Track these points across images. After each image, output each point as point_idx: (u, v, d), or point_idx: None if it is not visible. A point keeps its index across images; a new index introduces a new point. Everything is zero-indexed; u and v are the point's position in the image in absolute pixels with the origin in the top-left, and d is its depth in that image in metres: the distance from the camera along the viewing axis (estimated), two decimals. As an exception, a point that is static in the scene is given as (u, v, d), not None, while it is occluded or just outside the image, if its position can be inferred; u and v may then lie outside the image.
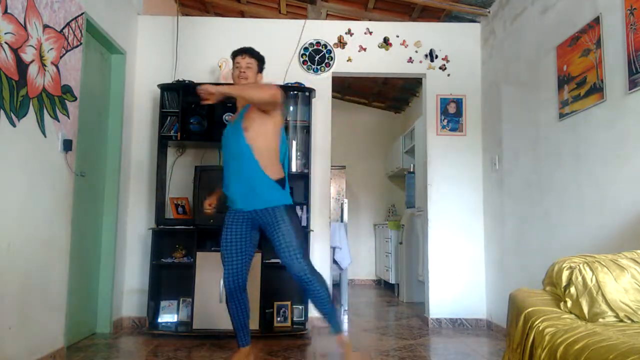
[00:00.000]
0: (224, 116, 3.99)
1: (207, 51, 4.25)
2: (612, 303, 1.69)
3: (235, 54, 2.83)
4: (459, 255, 4.22)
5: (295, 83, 4.17)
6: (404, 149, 6.64)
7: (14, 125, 2.51)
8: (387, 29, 4.40)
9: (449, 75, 4.36)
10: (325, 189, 4.25)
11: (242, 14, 5.41)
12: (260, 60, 2.84)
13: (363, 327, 4.17)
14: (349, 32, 4.38)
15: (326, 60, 4.32)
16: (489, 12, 4.22)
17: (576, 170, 2.90)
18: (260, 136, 2.64)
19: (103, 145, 3.80)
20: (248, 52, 2.81)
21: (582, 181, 2.84)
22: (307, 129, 4.12)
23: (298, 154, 4.10)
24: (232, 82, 3.94)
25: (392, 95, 7.25)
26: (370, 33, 4.38)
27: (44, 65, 2.79)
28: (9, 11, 2.45)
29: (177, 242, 3.96)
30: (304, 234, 2.82)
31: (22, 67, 2.57)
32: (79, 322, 3.43)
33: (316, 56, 4.31)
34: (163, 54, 4.24)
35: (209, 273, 3.69)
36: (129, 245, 4.07)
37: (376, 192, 7.73)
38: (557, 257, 1.99)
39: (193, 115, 3.92)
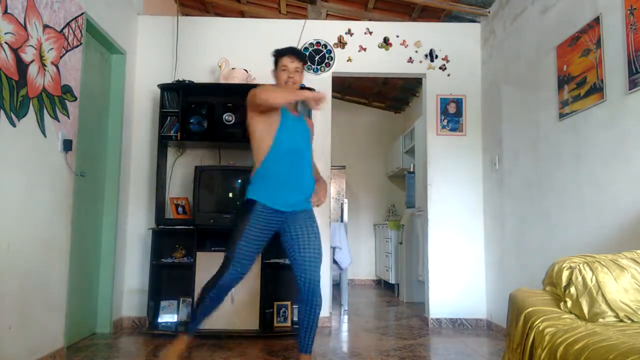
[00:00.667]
0: (224, 116, 3.99)
1: (207, 51, 4.25)
2: (612, 303, 1.69)
3: (281, 55, 2.63)
4: (459, 255, 4.22)
5: (295, 83, 4.16)
6: (404, 149, 6.64)
7: (14, 125, 2.51)
8: (387, 29, 4.40)
9: (449, 75, 4.36)
10: (325, 189, 4.24)
11: (242, 14, 5.41)
12: (306, 62, 2.74)
13: (363, 327, 4.17)
14: (349, 32, 4.38)
15: (326, 60, 4.32)
16: (489, 12, 4.22)
17: (576, 170, 2.90)
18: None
19: (103, 145, 3.80)
20: (296, 55, 2.62)
21: (582, 181, 2.84)
22: (307, 129, 4.12)
23: (298, 154, 4.09)
24: (231, 81, 3.97)
25: (392, 95, 7.25)
26: (370, 33, 4.39)
27: (44, 65, 2.79)
28: (9, 11, 2.45)
29: (177, 242, 3.96)
30: None
31: (22, 67, 2.57)
32: (79, 322, 3.43)
33: (316, 56, 4.31)
34: (163, 54, 4.24)
35: (209, 273, 3.66)
36: (129, 245, 4.07)
37: (376, 192, 7.73)
38: (557, 257, 1.99)
39: (193, 115, 3.92)
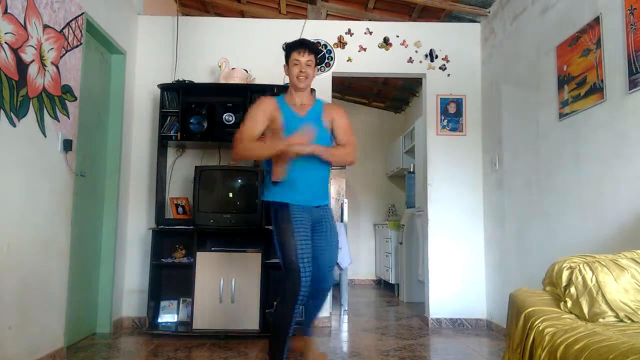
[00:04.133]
0: (224, 116, 3.99)
1: (207, 51, 4.25)
2: (612, 303, 1.69)
3: (292, 49, 2.55)
4: (459, 255, 4.22)
5: (295, 83, 4.17)
6: (404, 149, 6.64)
7: (14, 125, 2.51)
8: (387, 29, 4.40)
9: (449, 75, 4.36)
10: (325, 189, 4.24)
11: (242, 14, 5.42)
12: (318, 53, 2.64)
13: (363, 327, 4.17)
14: (349, 32, 4.38)
15: (326, 60, 4.32)
16: (489, 12, 4.22)
17: (576, 170, 2.90)
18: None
19: (103, 145, 3.80)
20: (307, 47, 2.55)
21: (582, 181, 2.84)
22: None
23: (298, 154, 4.09)
24: (231, 81, 3.97)
25: (392, 95, 7.25)
26: (370, 33, 4.39)
27: (44, 65, 2.79)
28: (9, 11, 2.45)
29: (177, 242, 3.96)
30: None
31: (22, 67, 2.57)
32: (79, 322, 3.43)
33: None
34: (163, 54, 4.24)
35: (209, 273, 3.69)
36: (129, 245, 4.07)
37: (376, 192, 7.73)
38: (557, 257, 1.98)
39: (193, 115, 3.92)
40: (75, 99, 3.17)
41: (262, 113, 2.55)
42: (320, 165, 2.56)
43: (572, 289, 1.78)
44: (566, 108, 3.00)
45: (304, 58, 2.53)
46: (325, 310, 4.07)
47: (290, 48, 2.57)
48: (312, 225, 2.55)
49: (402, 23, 4.49)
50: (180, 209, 4.05)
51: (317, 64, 2.62)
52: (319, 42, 4.33)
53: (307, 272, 2.39)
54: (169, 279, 3.98)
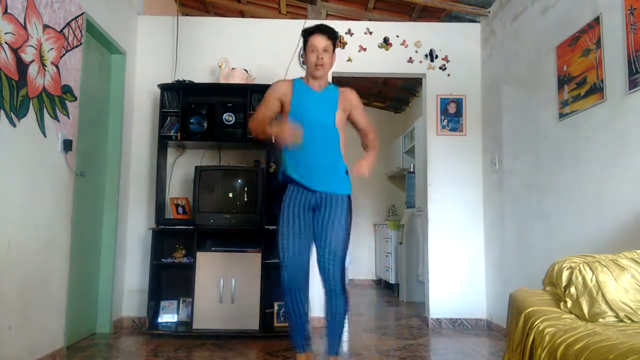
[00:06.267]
0: (224, 116, 3.98)
1: (207, 51, 4.24)
2: (612, 303, 1.69)
3: (309, 33, 2.49)
4: (459, 255, 4.22)
5: (295, 83, 4.16)
6: (404, 149, 6.64)
7: (14, 125, 2.51)
8: (387, 29, 4.40)
9: (449, 75, 4.36)
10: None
11: (242, 14, 5.41)
12: (336, 39, 2.55)
13: (363, 327, 4.17)
14: (349, 32, 4.38)
15: (326, 60, 4.31)
16: (489, 12, 4.22)
17: (576, 170, 2.90)
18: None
19: (103, 145, 3.80)
20: (325, 31, 2.48)
21: (582, 181, 2.84)
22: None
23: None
24: (231, 81, 3.97)
25: (392, 95, 7.25)
26: (370, 33, 4.38)
27: (44, 65, 2.79)
28: (9, 11, 2.45)
29: (177, 242, 3.96)
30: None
31: (22, 67, 2.57)
32: (79, 322, 3.43)
33: (316, 56, 4.30)
34: (163, 54, 4.24)
35: (209, 273, 3.69)
36: (129, 245, 4.07)
37: (376, 192, 7.73)
38: (557, 257, 1.98)
39: (193, 115, 3.92)
40: (75, 99, 3.17)
41: (273, 94, 2.56)
42: (325, 151, 2.47)
43: (572, 289, 1.78)
44: (566, 108, 3.00)
45: (322, 44, 2.48)
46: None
47: (308, 33, 2.52)
48: (313, 208, 2.49)
49: (402, 23, 4.49)
50: (180, 209, 4.05)
51: (334, 50, 2.57)
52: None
53: (286, 259, 2.43)
54: (169, 279, 3.98)
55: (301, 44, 4.35)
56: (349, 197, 2.52)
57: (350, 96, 2.62)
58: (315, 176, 2.46)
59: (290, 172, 2.49)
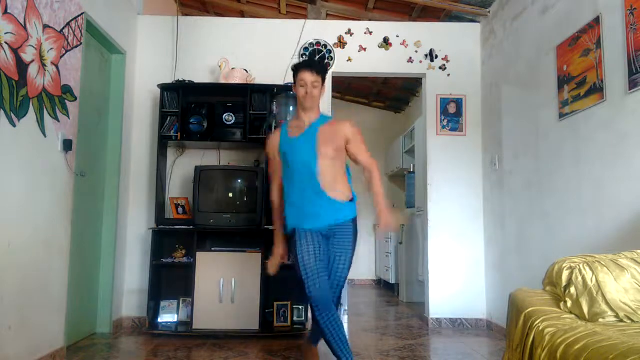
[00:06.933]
0: (224, 116, 3.98)
1: (207, 51, 4.25)
2: (612, 303, 1.69)
3: (298, 69, 2.61)
4: (459, 255, 4.22)
5: (295, 83, 4.17)
6: (404, 149, 6.64)
7: (14, 125, 2.51)
8: (387, 29, 4.40)
9: (449, 75, 4.36)
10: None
11: (242, 14, 5.41)
12: (325, 72, 2.68)
13: (363, 327, 4.17)
14: (349, 32, 4.38)
15: (326, 60, 4.32)
16: (489, 12, 4.22)
17: (576, 170, 2.90)
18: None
19: (103, 145, 3.80)
20: (314, 68, 2.60)
21: (582, 181, 2.84)
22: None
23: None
24: (231, 81, 3.97)
25: (392, 95, 7.24)
26: (370, 33, 4.38)
27: (44, 65, 2.79)
28: (9, 11, 2.45)
29: (177, 242, 3.96)
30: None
31: (22, 67, 2.57)
32: (79, 322, 3.43)
33: (316, 56, 4.31)
34: (163, 54, 4.24)
35: (209, 273, 3.69)
36: (129, 245, 4.07)
37: (376, 192, 7.71)
38: (557, 257, 1.98)
39: (193, 115, 3.92)
40: (75, 99, 3.17)
41: (270, 152, 2.78)
42: (317, 188, 2.55)
43: (572, 289, 1.78)
44: (566, 108, 3.00)
45: (310, 79, 2.58)
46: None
47: (298, 68, 2.63)
48: (325, 236, 2.59)
49: (402, 23, 4.49)
50: (180, 209, 4.05)
51: (323, 83, 2.66)
52: (319, 42, 4.32)
53: (310, 282, 2.46)
54: (169, 279, 3.98)
55: (301, 44, 4.40)
56: (353, 220, 2.64)
57: (341, 128, 2.67)
58: (314, 215, 2.55)
59: (290, 222, 2.60)
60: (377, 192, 2.70)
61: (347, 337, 2.55)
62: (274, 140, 2.74)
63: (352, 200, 2.68)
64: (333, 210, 2.57)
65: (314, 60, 2.74)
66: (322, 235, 2.56)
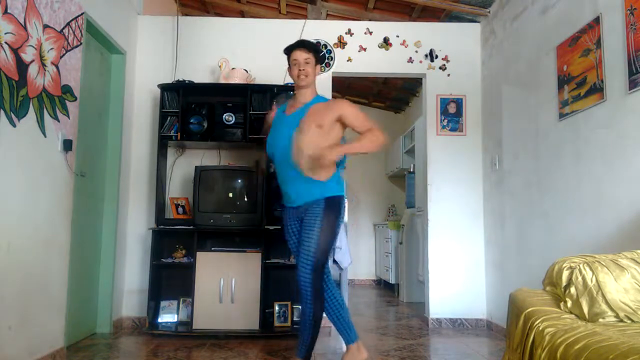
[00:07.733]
0: (224, 116, 3.99)
1: (207, 51, 4.24)
2: (612, 303, 1.69)
3: (290, 50, 2.67)
4: (459, 255, 4.22)
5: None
6: (404, 149, 6.64)
7: (14, 125, 2.51)
8: (387, 29, 4.40)
9: (449, 75, 4.36)
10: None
11: (242, 14, 5.41)
12: (317, 51, 2.70)
13: (363, 327, 4.16)
14: (349, 32, 4.38)
15: (326, 60, 4.32)
16: (489, 12, 4.22)
17: (576, 170, 2.90)
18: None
19: (103, 145, 3.80)
20: (303, 46, 2.65)
21: (582, 181, 2.84)
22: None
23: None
24: (231, 81, 3.97)
25: (392, 95, 7.25)
26: (370, 33, 4.38)
27: (44, 65, 2.79)
28: (9, 11, 2.45)
29: (177, 242, 3.96)
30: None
31: (22, 67, 2.57)
32: (79, 322, 3.43)
33: (316, 56, 4.30)
34: (163, 54, 4.24)
35: (209, 273, 3.69)
36: (129, 245, 4.07)
37: (376, 192, 7.73)
38: (557, 257, 1.98)
39: (193, 115, 3.92)
40: (75, 99, 3.17)
41: (266, 127, 2.89)
42: (292, 168, 2.57)
43: (572, 289, 1.78)
44: (566, 108, 3.00)
45: (302, 56, 2.63)
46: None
47: (289, 49, 2.69)
48: (300, 220, 2.67)
49: (402, 23, 4.49)
50: (180, 209, 4.05)
51: (317, 62, 2.69)
52: (319, 42, 4.32)
53: (298, 266, 2.57)
54: (169, 279, 3.98)
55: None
56: (326, 199, 2.57)
57: (333, 105, 2.67)
58: (294, 193, 2.64)
59: (283, 200, 2.75)
60: (362, 137, 2.59)
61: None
62: (271, 115, 2.87)
63: (331, 179, 2.60)
64: (311, 187, 2.57)
65: (305, 39, 2.79)
66: (299, 220, 2.65)
